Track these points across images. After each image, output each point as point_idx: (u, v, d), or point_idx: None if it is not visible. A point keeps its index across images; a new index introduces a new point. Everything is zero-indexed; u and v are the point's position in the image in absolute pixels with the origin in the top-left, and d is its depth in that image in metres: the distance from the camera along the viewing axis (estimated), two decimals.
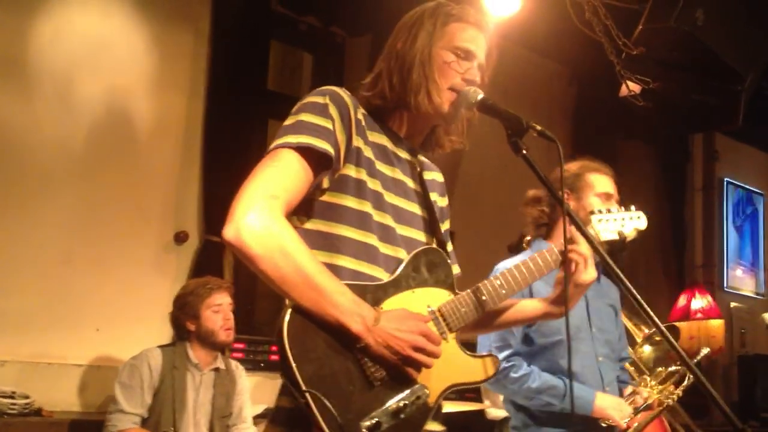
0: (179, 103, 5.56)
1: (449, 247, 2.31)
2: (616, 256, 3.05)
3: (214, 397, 4.19)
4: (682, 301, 7.85)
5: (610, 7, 4.56)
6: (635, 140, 8.28)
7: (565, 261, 2.28)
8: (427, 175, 2.33)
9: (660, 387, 3.58)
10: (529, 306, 2.45)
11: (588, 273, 2.32)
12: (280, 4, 6.11)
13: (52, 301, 4.84)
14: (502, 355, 3.12)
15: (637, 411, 3.32)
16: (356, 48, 6.54)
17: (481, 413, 4.51)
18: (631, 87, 5.01)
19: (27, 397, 4.36)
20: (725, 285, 9.48)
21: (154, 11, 5.44)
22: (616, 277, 1.95)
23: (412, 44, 2.16)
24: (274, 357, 5.54)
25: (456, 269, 2.24)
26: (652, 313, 1.92)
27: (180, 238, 5.39)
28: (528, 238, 3.50)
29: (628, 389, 3.44)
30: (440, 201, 2.37)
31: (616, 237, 2.56)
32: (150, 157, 5.38)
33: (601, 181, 3.29)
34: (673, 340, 1.92)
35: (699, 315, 7.67)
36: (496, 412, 4.54)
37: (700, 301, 7.83)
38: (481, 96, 2.13)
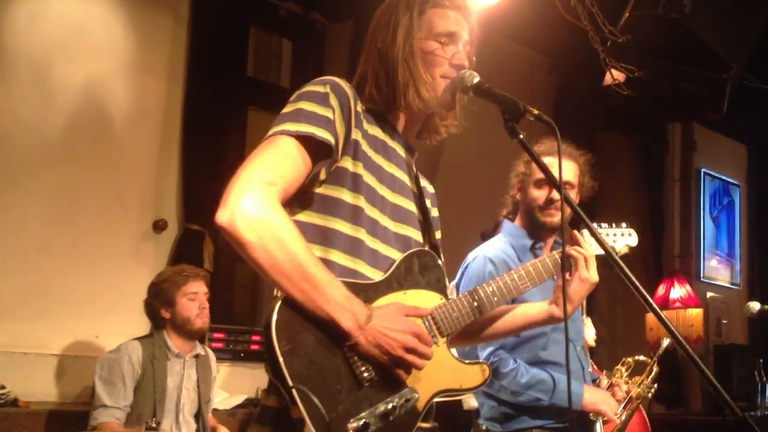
0: (158, 89, 5.48)
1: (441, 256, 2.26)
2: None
3: (198, 382, 4.16)
4: (660, 290, 7.89)
5: None
6: (614, 130, 8.30)
7: (563, 256, 2.24)
8: (421, 182, 2.29)
9: (637, 379, 3.58)
10: (532, 310, 2.42)
11: (590, 273, 2.29)
12: None
13: (28, 290, 4.76)
14: (488, 350, 3.04)
15: (624, 405, 3.31)
16: (337, 35, 6.48)
17: (458, 404, 4.46)
18: (615, 75, 4.99)
19: (3, 387, 4.29)
20: (702, 275, 9.54)
21: None
22: (619, 270, 1.91)
23: (392, 42, 2.09)
24: (254, 347, 5.51)
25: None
26: (653, 302, 1.89)
27: (159, 226, 5.31)
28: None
29: (604, 381, 3.42)
30: (433, 211, 2.32)
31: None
32: (128, 143, 5.29)
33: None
34: (673, 328, 1.89)
35: (677, 304, 7.73)
36: (472, 402, 4.49)
37: (678, 291, 7.87)
38: (477, 80, 2.08)
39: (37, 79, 4.92)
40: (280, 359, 1.69)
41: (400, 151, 2.17)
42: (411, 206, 2.16)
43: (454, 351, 2.09)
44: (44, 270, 4.83)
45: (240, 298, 6.37)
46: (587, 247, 2.30)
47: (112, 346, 4.17)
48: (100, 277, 5.02)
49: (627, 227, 2.68)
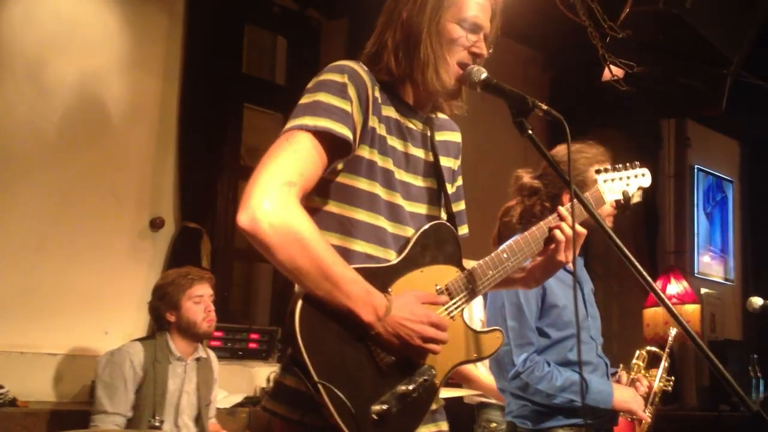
0: (153, 86, 5.45)
1: (461, 205, 2.31)
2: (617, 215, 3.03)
3: (198, 385, 4.12)
4: (657, 286, 7.89)
5: None
6: (608, 127, 8.28)
7: (574, 242, 2.23)
8: (440, 136, 2.25)
9: (654, 373, 3.56)
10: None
11: (565, 255, 2.25)
12: None
13: (24, 289, 4.72)
14: (524, 355, 3.00)
15: (650, 402, 3.29)
16: (332, 32, 6.46)
17: (459, 399, 4.47)
18: (614, 71, 4.99)
19: (1, 387, 4.26)
20: (695, 271, 9.57)
21: None
22: (617, 249, 1.92)
23: (419, 15, 2.06)
24: (253, 345, 5.50)
25: (464, 230, 2.27)
26: (651, 282, 1.90)
27: (156, 224, 5.28)
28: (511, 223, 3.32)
29: (624, 377, 3.39)
30: (453, 163, 2.30)
31: (620, 197, 2.53)
32: (124, 140, 5.26)
33: None
34: (677, 313, 1.90)
35: (674, 300, 7.73)
36: (473, 397, 4.50)
37: (675, 287, 7.89)
38: (484, 75, 2.06)
39: (32, 76, 4.88)
40: (305, 353, 1.75)
41: (414, 124, 2.15)
42: (426, 183, 2.16)
43: (467, 318, 2.10)
44: (41, 269, 4.79)
45: (236, 296, 6.36)
46: (571, 227, 2.24)
47: (110, 345, 4.14)
48: (97, 275, 4.99)
49: (640, 167, 2.62)
